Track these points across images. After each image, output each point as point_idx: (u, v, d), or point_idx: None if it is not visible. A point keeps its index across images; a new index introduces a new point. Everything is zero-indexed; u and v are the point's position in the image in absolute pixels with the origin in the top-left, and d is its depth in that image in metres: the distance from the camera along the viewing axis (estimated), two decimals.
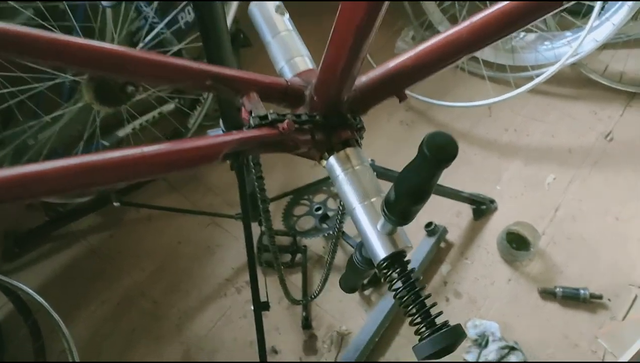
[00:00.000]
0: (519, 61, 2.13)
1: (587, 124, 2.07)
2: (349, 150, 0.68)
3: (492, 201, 1.88)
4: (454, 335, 0.56)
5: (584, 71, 2.11)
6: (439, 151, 0.45)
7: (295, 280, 1.75)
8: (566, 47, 2.03)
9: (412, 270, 0.62)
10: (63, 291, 1.77)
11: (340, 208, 0.83)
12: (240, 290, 1.76)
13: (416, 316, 0.59)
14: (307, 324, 1.67)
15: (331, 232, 1.79)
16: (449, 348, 0.56)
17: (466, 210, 1.87)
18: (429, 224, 1.79)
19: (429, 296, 0.61)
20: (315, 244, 1.84)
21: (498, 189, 1.93)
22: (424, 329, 0.58)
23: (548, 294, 1.69)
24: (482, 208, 1.84)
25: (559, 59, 1.91)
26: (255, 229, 1.53)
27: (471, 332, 1.65)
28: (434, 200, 0.76)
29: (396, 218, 0.56)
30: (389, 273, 0.61)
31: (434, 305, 0.60)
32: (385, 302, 1.69)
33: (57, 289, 1.78)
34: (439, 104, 2.10)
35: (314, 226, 1.84)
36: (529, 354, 1.56)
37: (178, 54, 1.86)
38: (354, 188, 0.65)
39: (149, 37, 1.68)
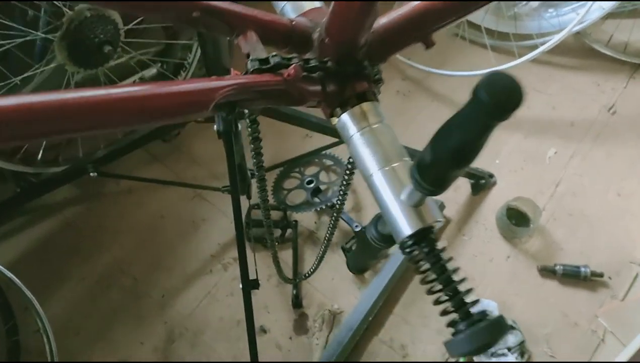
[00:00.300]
0: (522, 29, 2.04)
1: (589, 96, 2.00)
2: (365, 105, 0.58)
3: (491, 175, 1.80)
4: (496, 330, 0.47)
5: (587, 41, 2.02)
6: (502, 96, 0.35)
7: (285, 256, 1.68)
8: (571, 15, 1.94)
9: (443, 249, 0.53)
10: (37, 268, 1.69)
11: (346, 177, 0.73)
12: (226, 267, 1.68)
13: (448, 305, 0.50)
14: (297, 303, 1.61)
15: (323, 207, 1.71)
16: (489, 345, 0.47)
17: (464, 184, 1.80)
18: None
19: (463, 280, 0.52)
20: (307, 219, 1.77)
21: (497, 163, 1.86)
22: (458, 321, 0.49)
23: (548, 272, 1.64)
24: (480, 182, 1.77)
25: (563, 27, 1.83)
26: (244, 203, 1.46)
27: None
28: None
29: (430, 185, 0.46)
30: (414, 253, 0.52)
31: (469, 291, 0.51)
32: (380, 279, 1.63)
33: (30, 266, 1.69)
34: (438, 72, 2.01)
35: (305, 200, 1.77)
36: (528, 333, 1.51)
37: None
38: (372, 151, 0.55)
39: None
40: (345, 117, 0.59)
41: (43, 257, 1.72)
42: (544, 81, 2.07)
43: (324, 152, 1.80)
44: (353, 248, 1.64)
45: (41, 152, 1.67)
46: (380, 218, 0.62)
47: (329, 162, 1.85)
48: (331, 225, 0.93)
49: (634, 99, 1.97)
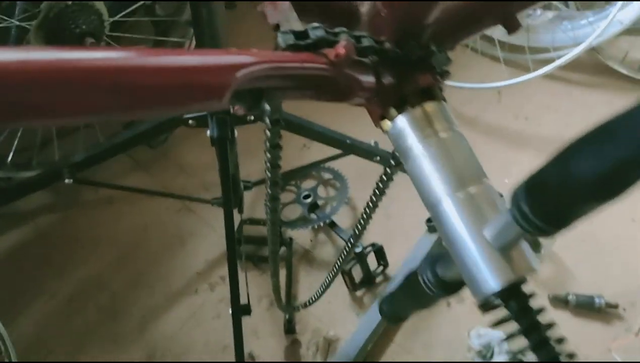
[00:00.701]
0: (535, 42, 1.95)
1: (602, 114, 1.88)
2: (430, 105, 0.45)
3: (500, 195, 1.69)
4: None
5: (601, 57, 1.94)
6: None
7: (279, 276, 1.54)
8: (587, 28, 1.85)
9: (540, 310, 0.41)
10: (4, 281, 1.58)
11: (374, 199, 0.60)
12: (213, 287, 1.58)
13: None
14: (290, 328, 1.51)
15: (321, 224, 1.59)
16: None
17: None
18: (430, 219, 1.59)
19: (562, 341, 0.40)
20: (302, 237, 1.67)
21: (506, 183, 1.75)
22: None
23: (559, 301, 1.56)
24: None
25: (578, 41, 1.74)
26: (235, 217, 1.37)
27: (475, 342, 1.52)
28: None
29: (544, 221, 0.34)
30: (502, 310, 0.40)
31: (572, 356, 0.39)
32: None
33: None
34: (448, 84, 1.90)
35: (301, 216, 1.67)
36: None
37: (150, 7, 1.61)
38: (440, 168, 0.42)
39: None
40: (403, 121, 0.45)
41: (12, 269, 1.62)
42: (556, 97, 1.98)
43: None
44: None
45: (12, 153, 1.55)
46: (441, 258, 0.48)
47: (327, 176, 1.74)
48: (344, 254, 0.80)
49: None
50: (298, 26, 0.44)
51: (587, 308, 1.51)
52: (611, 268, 1.59)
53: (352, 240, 0.75)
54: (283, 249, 1.61)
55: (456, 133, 0.44)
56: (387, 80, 0.45)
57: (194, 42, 1.56)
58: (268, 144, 0.45)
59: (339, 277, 1.56)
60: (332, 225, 1.60)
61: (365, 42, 0.42)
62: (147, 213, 1.73)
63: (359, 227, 0.70)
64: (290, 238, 1.63)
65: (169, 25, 1.67)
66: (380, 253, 1.58)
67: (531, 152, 1.84)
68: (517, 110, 1.97)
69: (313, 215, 1.64)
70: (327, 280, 0.96)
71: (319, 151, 1.61)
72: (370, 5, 0.48)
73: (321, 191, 1.72)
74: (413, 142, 0.44)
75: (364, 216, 0.67)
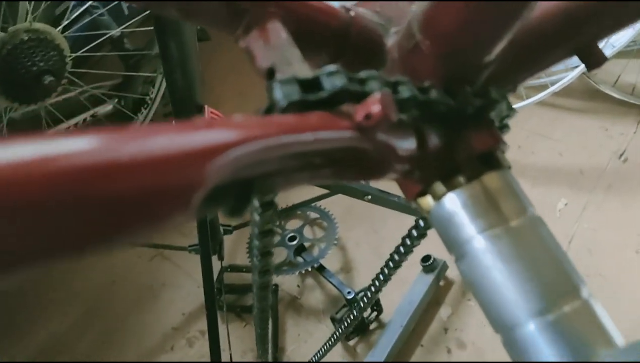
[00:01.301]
0: None
1: (597, 141, 1.85)
2: (492, 178, 0.33)
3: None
4: None
5: (593, 82, 1.87)
6: None
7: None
8: None
9: None
10: None
11: (387, 271, 0.48)
12: (192, 343, 1.44)
13: None
14: None
15: (309, 269, 1.46)
16: None
17: None
18: (426, 258, 1.53)
19: None
20: (288, 282, 1.55)
21: None
22: None
23: None
24: None
25: (570, 66, 1.67)
26: (215, 265, 1.25)
27: None
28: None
29: None
30: None
31: None
32: (375, 355, 1.39)
33: None
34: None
35: (287, 260, 1.54)
36: None
37: (118, 41, 1.49)
38: (517, 276, 0.29)
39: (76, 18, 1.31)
40: (454, 201, 0.33)
41: None
42: (549, 125, 1.91)
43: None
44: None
45: None
46: None
47: (314, 215, 1.62)
48: (348, 320, 0.67)
49: None
50: (304, 71, 0.30)
51: None
52: (619, 305, 1.49)
53: (362, 304, 0.62)
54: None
55: (534, 219, 0.32)
56: (433, 143, 0.32)
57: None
58: (256, 230, 0.32)
59: (329, 325, 1.43)
60: (321, 269, 1.48)
61: (405, 92, 0.29)
62: (116, 263, 1.60)
63: (372, 291, 0.57)
64: (276, 285, 1.50)
65: (139, 59, 1.55)
66: None
67: (527, 183, 1.74)
68: (509, 139, 1.87)
69: (300, 259, 1.52)
70: (324, 349, 0.83)
71: (305, 190, 1.52)
72: (403, 37, 0.34)
73: (307, 232, 1.59)
74: (471, 233, 0.31)
75: (380, 279, 0.54)
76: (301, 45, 0.32)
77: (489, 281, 0.30)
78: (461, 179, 0.32)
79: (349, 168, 0.28)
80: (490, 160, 0.33)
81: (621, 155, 1.81)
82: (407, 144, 0.30)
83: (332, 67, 0.27)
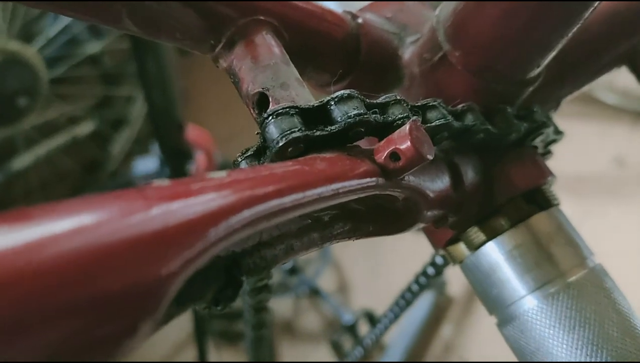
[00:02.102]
0: None
1: (594, 146, 1.81)
2: (541, 220, 0.27)
3: None
4: None
5: (586, 88, 1.83)
6: None
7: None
8: None
9: None
10: None
11: (401, 304, 0.41)
12: None
13: None
14: None
15: (304, 291, 1.40)
16: None
17: None
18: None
19: None
20: (282, 305, 1.48)
21: None
22: None
23: None
24: None
25: None
26: None
27: None
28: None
29: None
30: None
31: None
32: None
33: None
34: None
35: (281, 282, 1.47)
36: None
37: (97, 58, 1.44)
38: (580, 344, 0.22)
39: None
40: (495, 251, 0.26)
41: None
42: None
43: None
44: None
45: None
46: None
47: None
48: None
49: None
50: (305, 96, 0.23)
51: None
52: None
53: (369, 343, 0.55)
54: None
55: (596, 270, 0.26)
56: (470, 180, 0.26)
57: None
58: (247, 287, 0.26)
59: (326, 349, 1.37)
60: (316, 291, 1.41)
61: (437, 119, 0.22)
62: None
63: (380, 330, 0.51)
64: (269, 309, 1.43)
65: (118, 77, 1.49)
66: (371, 319, 1.39)
67: None
68: None
69: (294, 281, 1.45)
70: None
71: None
72: (425, 48, 0.27)
73: None
74: (520, 292, 0.25)
75: (390, 317, 0.48)
76: (299, 63, 0.25)
77: (547, 352, 0.24)
78: (503, 223, 0.26)
79: (368, 222, 0.21)
80: (537, 197, 0.27)
81: (618, 160, 1.78)
82: (440, 184, 0.24)
83: (344, 92, 0.20)
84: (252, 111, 0.21)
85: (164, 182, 0.13)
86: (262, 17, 0.25)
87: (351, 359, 0.65)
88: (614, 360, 0.23)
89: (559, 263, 0.25)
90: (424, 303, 1.45)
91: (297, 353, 1.39)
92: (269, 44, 0.24)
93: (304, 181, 0.16)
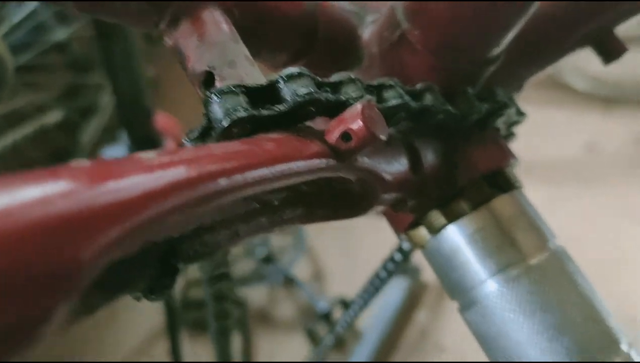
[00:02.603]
0: None
1: (566, 133, 1.84)
2: (503, 203, 0.26)
3: None
4: None
5: (557, 73, 1.86)
6: None
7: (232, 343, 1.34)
8: None
9: None
10: None
11: (373, 287, 0.41)
12: None
13: None
14: None
15: (279, 280, 1.40)
16: None
17: None
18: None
19: None
20: (257, 294, 1.47)
21: None
22: None
23: None
24: None
25: None
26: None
27: None
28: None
29: None
30: None
31: None
32: None
33: None
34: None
35: (255, 271, 1.48)
36: None
37: (64, 45, 1.40)
38: (541, 330, 0.22)
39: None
40: (456, 235, 0.26)
41: None
42: None
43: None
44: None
45: None
46: None
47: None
48: (327, 343, 0.60)
49: (612, 136, 1.82)
50: (254, 75, 0.22)
51: None
52: None
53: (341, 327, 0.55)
54: (236, 312, 1.41)
55: (557, 253, 0.26)
56: (430, 163, 0.25)
57: None
58: (206, 276, 0.25)
59: (302, 338, 1.37)
60: (291, 279, 1.41)
61: (393, 99, 0.21)
62: None
63: (351, 316, 0.51)
64: (244, 299, 1.42)
65: (86, 65, 1.46)
66: (346, 306, 1.40)
67: None
68: None
69: (268, 269, 1.45)
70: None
71: None
72: (384, 27, 0.26)
73: (275, 240, 1.53)
74: (481, 276, 0.24)
75: (360, 303, 0.48)
76: (252, 43, 0.24)
77: (508, 337, 0.23)
78: (464, 206, 0.25)
79: (321, 205, 0.21)
80: (499, 180, 0.27)
81: (589, 147, 1.81)
82: (397, 166, 0.23)
83: (293, 70, 0.19)
84: (199, 91, 0.21)
85: (84, 162, 0.12)
86: None
87: (323, 348, 0.65)
88: (577, 345, 0.23)
89: (520, 247, 0.25)
90: (398, 290, 1.46)
91: (272, 343, 1.39)
92: (216, 21, 0.23)
93: (245, 162, 0.15)
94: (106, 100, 1.55)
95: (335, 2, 0.27)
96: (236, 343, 1.37)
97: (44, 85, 1.48)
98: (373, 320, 1.41)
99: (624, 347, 0.25)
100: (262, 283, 1.43)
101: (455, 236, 0.26)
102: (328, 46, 0.28)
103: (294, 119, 0.19)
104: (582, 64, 1.90)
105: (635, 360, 0.25)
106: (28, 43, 1.31)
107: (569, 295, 0.24)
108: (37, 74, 1.44)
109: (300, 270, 1.46)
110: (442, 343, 1.41)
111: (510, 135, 0.31)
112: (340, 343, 1.40)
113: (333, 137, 0.18)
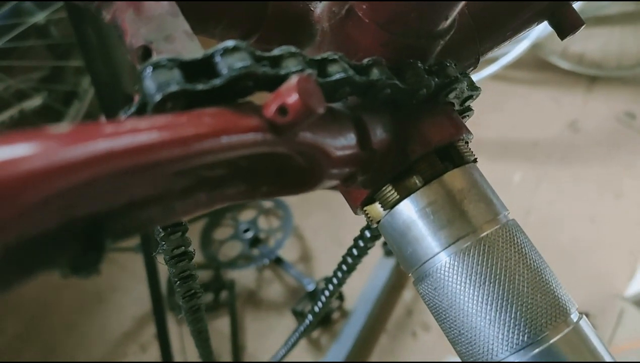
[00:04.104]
0: None
1: (549, 112, 1.85)
2: (455, 176, 0.27)
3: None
4: None
5: (541, 53, 1.86)
6: None
7: (220, 325, 1.35)
8: None
9: None
10: None
11: (349, 261, 0.41)
12: (145, 347, 1.36)
13: None
14: None
15: (266, 262, 1.40)
16: None
17: None
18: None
19: None
20: (245, 276, 1.47)
21: None
22: None
23: None
24: None
25: (519, 38, 1.64)
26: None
27: None
28: None
29: None
30: None
31: None
32: (339, 345, 1.36)
33: None
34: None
35: (243, 253, 1.47)
36: None
37: (43, 29, 1.38)
38: (490, 301, 0.23)
39: None
40: (409, 209, 0.26)
41: None
42: (501, 98, 1.89)
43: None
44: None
45: None
46: None
47: (268, 204, 1.55)
48: (311, 316, 0.61)
49: (594, 115, 1.83)
50: (191, 49, 0.22)
51: None
52: (576, 273, 1.51)
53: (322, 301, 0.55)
54: (224, 293, 1.41)
55: (508, 225, 0.26)
56: (379, 138, 0.25)
57: None
58: (166, 257, 0.25)
59: (290, 318, 1.38)
60: (279, 261, 1.41)
61: (337, 73, 0.22)
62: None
63: (325, 295, 0.51)
64: (232, 281, 1.43)
65: (67, 48, 1.43)
66: None
67: (481, 158, 1.72)
68: None
69: (256, 251, 1.45)
70: (288, 346, 0.77)
71: None
72: (333, 3, 0.26)
73: (262, 222, 1.52)
74: (433, 249, 0.25)
75: (334, 282, 0.48)
76: (201, 20, 0.24)
77: (458, 308, 0.24)
78: (416, 181, 0.25)
79: (265, 181, 0.21)
80: (451, 154, 0.27)
81: (572, 125, 1.82)
82: (343, 141, 0.23)
83: (229, 43, 0.19)
84: (138, 66, 0.20)
85: None
86: None
87: (304, 325, 0.65)
88: (524, 315, 0.23)
89: (471, 220, 0.25)
90: (384, 270, 1.46)
91: (261, 324, 1.40)
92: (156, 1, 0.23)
93: (170, 136, 0.15)
94: (87, 85, 1.53)
95: None
96: (225, 324, 1.38)
97: (23, 69, 1.46)
98: (360, 300, 1.42)
99: (573, 317, 0.26)
100: (250, 265, 1.43)
101: (408, 211, 0.26)
102: (279, 23, 0.27)
103: (232, 94, 0.19)
104: (566, 43, 1.90)
105: (584, 329, 0.25)
106: (4, 27, 1.28)
107: (517, 266, 0.24)
108: (15, 59, 1.42)
109: (288, 252, 1.47)
110: (427, 322, 1.43)
111: (466, 110, 0.31)
112: (328, 323, 1.41)
113: (270, 111, 0.18)
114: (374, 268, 1.48)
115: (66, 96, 1.54)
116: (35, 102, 1.49)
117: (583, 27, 0.31)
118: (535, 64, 1.95)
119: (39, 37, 1.44)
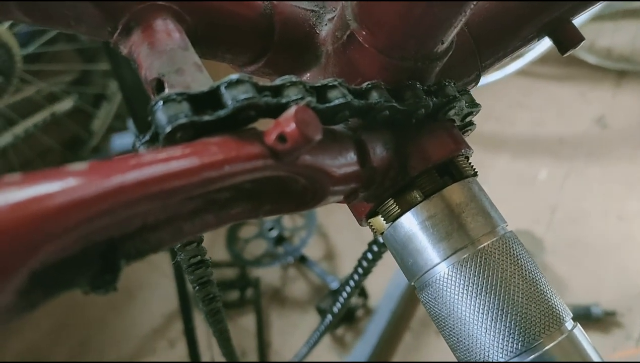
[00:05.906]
0: None
1: (576, 108, 1.81)
2: (455, 191, 0.28)
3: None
4: None
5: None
6: None
7: (246, 322, 1.37)
8: None
9: None
10: None
11: (365, 265, 0.42)
12: (174, 343, 1.39)
13: None
14: None
15: (291, 260, 1.42)
16: None
17: None
18: None
19: None
20: (270, 274, 1.49)
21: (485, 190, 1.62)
22: None
23: None
24: None
25: None
26: None
27: None
28: None
29: None
30: None
31: None
32: (364, 343, 1.37)
33: None
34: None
35: (267, 251, 1.49)
36: None
37: (71, 33, 1.41)
38: (489, 311, 0.24)
39: None
40: (411, 222, 0.27)
41: None
42: (527, 94, 1.87)
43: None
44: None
45: None
46: None
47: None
48: (334, 312, 0.62)
49: (622, 109, 1.79)
50: (201, 81, 0.23)
51: (584, 319, 1.40)
52: (604, 272, 1.48)
53: (336, 309, 0.56)
54: (250, 291, 1.44)
55: (506, 237, 0.27)
56: (379, 156, 0.26)
57: None
58: (184, 265, 0.27)
59: (314, 316, 1.40)
60: (303, 259, 1.43)
61: (336, 99, 0.23)
62: None
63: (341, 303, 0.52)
64: (257, 279, 1.45)
65: (95, 52, 1.47)
66: None
67: (507, 155, 1.70)
68: (487, 111, 1.84)
69: (280, 249, 1.47)
70: (312, 342, 0.78)
71: None
72: (336, 26, 0.27)
73: (286, 221, 1.54)
74: (433, 260, 0.26)
75: (351, 285, 0.49)
76: (210, 47, 0.25)
77: (456, 317, 0.25)
78: (417, 195, 0.27)
79: (269, 200, 0.22)
80: (450, 169, 0.28)
81: (599, 120, 1.78)
82: (343, 161, 0.24)
83: (233, 76, 0.20)
84: (152, 97, 0.22)
85: (15, 177, 0.13)
86: (160, 2, 0.25)
87: (324, 324, 0.67)
88: (519, 324, 0.24)
89: (469, 232, 0.26)
90: None
91: (286, 321, 1.42)
92: (167, 29, 0.25)
93: (181, 167, 0.16)
94: (115, 88, 1.56)
95: (293, 2, 0.28)
96: (250, 321, 1.40)
97: (54, 73, 1.50)
98: (384, 297, 1.43)
99: (567, 325, 0.26)
100: (275, 263, 1.45)
101: (409, 224, 0.27)
102: (286, 45, 0.29)
103: (237, 123, 0.21)
104: (592, 38, 1.86)
105: (578, 337, 0.26)
106: (34, 32, 1.32)
107: (512, 277, 0.25)
108: (46, 63, 1.46)
109: (312, 250, 1.48)
110: None
111: (468, 125, 0.31)
112: (352, 320, 1.42)
113: (270, 138, 0.19)
114: (394, 275, 1.48)
115: (95, 98, 1.59)
116: (66, 104, 1.54)
117: (582, 42, 0.31)
118: (562, 59, 1.92)
119: (68, 41, 1.49)
